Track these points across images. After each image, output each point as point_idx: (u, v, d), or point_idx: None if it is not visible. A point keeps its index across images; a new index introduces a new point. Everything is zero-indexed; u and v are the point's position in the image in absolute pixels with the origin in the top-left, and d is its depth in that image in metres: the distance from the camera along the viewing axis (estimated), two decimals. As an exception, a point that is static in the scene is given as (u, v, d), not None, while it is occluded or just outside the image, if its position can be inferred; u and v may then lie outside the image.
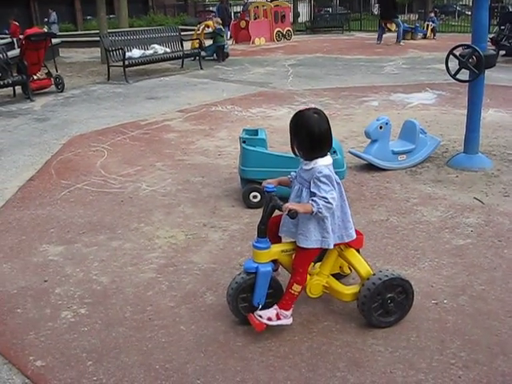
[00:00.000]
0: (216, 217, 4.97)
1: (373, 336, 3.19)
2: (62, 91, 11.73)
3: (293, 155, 3.25)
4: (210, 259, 4.18)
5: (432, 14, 25.00)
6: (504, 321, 3.33)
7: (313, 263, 3.49)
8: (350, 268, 3.60)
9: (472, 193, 5.39)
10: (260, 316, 3.14)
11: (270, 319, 3.14)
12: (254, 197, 5.08)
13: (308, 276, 3.27)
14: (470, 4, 26.53)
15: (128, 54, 13.20)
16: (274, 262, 3.26)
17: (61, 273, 4.02)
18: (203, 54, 15.86)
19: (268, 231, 3.22)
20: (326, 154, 3.09)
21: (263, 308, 3.21)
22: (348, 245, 3.28)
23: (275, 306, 3.19)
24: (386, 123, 5.94)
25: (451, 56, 5.97)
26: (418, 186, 5.62)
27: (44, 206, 5.33)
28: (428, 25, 23.78)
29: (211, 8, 34.27)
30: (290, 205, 2.99)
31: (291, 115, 3.19)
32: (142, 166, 6.46)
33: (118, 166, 6.47)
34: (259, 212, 4.97)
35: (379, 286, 3.15)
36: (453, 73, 5.96)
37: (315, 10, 35.23)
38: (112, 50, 13.07)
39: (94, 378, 2.91)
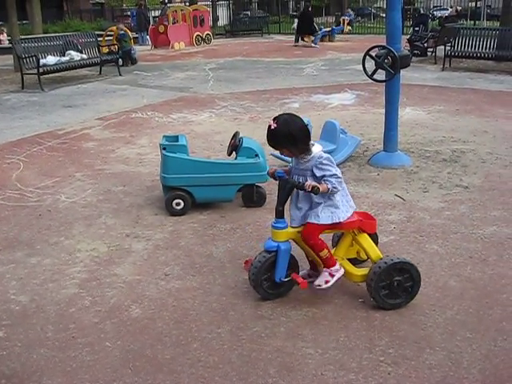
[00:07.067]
0: (139, 226, 4.85)
1: (302, 339, 3.18)
2: (-28, 102, 11.18)
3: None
4: (134, 270, 4.06)
5: (349, 10, 26.00)
6: (428, 314, 3.40)
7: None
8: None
9: (393, 190, 5.50)
10: (319, 285, 3.41)
11: (327, 282, 3.40)
12: (177, 204, 4.99)
13: None
14: (384, 6, 27.36)
15: (42, 61, 12.73)
16: None
17: (-25, 294, 3.80)
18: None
19: None
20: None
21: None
22: (361, 229, 3.52)
23: (324, 269, 3.43)
24: (307, 124, 5.96)
25: (368, 57, 6.08)
26: (340, 185, 5.68)
27: (-45, 223, 5.04)
28: (344, 20, 24.49)
29: (129, 13, 33.66)
30: (312, 182, 3.22)
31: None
32: (61, 177, 6.22)
33: (35, 178, 6.21)
34: (183, 219, 4.96)
35: (387, 267, 3.35)
36: (370, 73, 6.08)
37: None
38: (25, 58, 12.58)
39: (14, 405, 2.75)
